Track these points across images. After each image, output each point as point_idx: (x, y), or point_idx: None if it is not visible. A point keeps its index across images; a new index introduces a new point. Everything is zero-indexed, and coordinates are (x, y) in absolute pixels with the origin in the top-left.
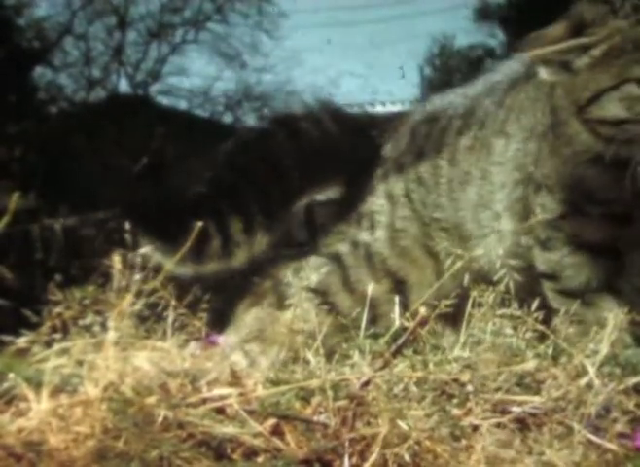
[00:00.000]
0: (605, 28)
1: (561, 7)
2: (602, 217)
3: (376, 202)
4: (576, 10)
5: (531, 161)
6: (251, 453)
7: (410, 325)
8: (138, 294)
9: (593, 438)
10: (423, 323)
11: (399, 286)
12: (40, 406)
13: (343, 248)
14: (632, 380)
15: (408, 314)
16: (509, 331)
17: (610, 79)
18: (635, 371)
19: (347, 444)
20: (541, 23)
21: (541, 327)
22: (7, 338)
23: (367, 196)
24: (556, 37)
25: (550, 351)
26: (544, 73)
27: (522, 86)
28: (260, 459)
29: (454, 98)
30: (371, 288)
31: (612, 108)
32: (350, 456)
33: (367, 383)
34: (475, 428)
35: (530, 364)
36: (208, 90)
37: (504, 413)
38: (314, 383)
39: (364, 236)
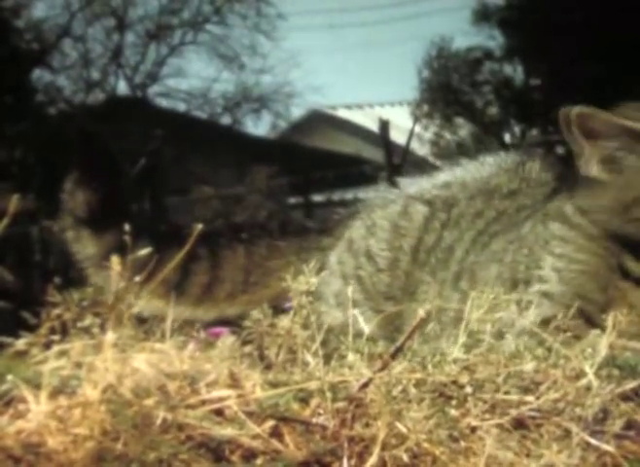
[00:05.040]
0: None
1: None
2: None
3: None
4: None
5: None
6: (250, 455)
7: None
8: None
9: (591, 440)
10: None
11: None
12: (39, 407)
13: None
14: (630, 383)
15: None
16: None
17: None
18: (633, 373)
19: (346, 445)
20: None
21: (538, 330)
22: (6, 339)
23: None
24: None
25: (548, 353)
26: (595, 170)
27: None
28: (259, 461)
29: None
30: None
31: None
32: (349, 458)
33: (365, 385)
34: (473, 430)
35: (529, 366)
36: (207, 92)
37: (502, 414)
38: (313, 385)
39: (339, 318)
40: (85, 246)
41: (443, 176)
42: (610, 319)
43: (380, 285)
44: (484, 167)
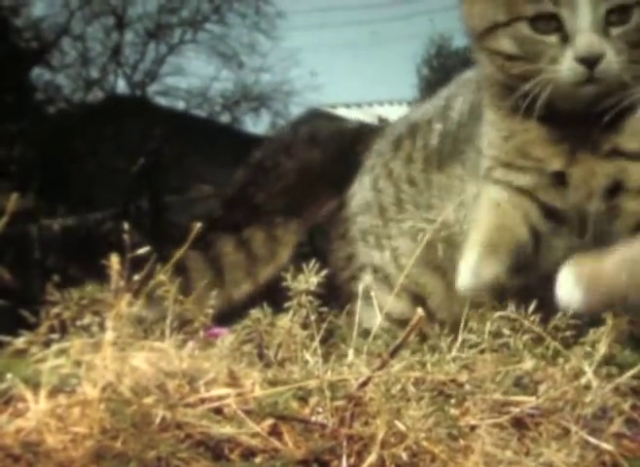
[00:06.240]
0: None
1: None
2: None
3: (370, 219)
4: None
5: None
6: (249, 454)
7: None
8: (137, 294)
9: (590, 439)
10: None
11: (417, 298)
12: (38, 406)
13: (367, 278)
14: (629, 382)
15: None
16: (506, 332)
17: (503, 14)
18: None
19: (345, 444)
20: None
21: (538, 329)
22: (5, 338)
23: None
24: None
25: (547, 352)
26: None
27: None
28: (258, 459)
29: (431, 104)
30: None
31: (503, 43)
32: (348, 456)
33: (365, 383)
34: (472, 428)
35: (528, 364)
36: (206, 91)
37: (501, 413)
38: (312, 383)
39: (377, 259)
40: None
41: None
42: (609, 317)
43: (419, 199)
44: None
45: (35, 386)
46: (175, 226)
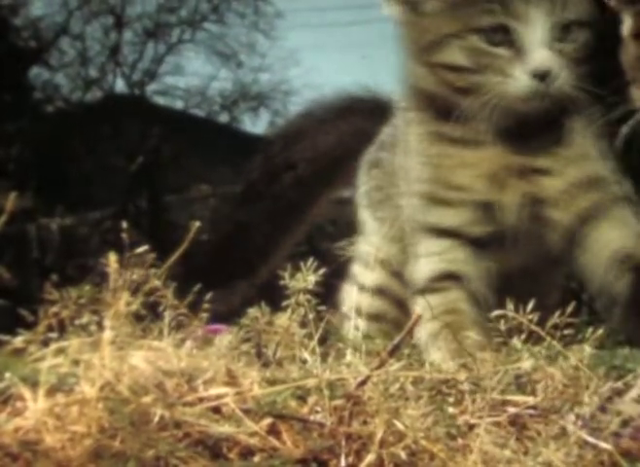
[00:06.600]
0: None
1: None
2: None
3: (361, 211)
4: None
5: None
6: (247, 453)
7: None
8: (135, 293)
9: (589, 438)
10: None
11: (391, 268)
12: (36, 405)
13: (355, 267)
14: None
15: None
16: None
17: (455, 26)
18: (630, 371)
19: (344, 443)
20: None
21: (536, 328)
22: (3, 337)
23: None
24: None
25: (545, 351)
26: (389, 10)
27: None
28: (256, 458)
29: None
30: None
31: (453, 55)
32: (347, 455)
33: (363, 383)
34: (471, 427)
35: (526, 364)
36: (204, 90)
37: (500, 412)
38: (311, 382)
39: (361, 247)
40: None
41: None
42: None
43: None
44: None
45: (33, 385)
46: (174, 225)
